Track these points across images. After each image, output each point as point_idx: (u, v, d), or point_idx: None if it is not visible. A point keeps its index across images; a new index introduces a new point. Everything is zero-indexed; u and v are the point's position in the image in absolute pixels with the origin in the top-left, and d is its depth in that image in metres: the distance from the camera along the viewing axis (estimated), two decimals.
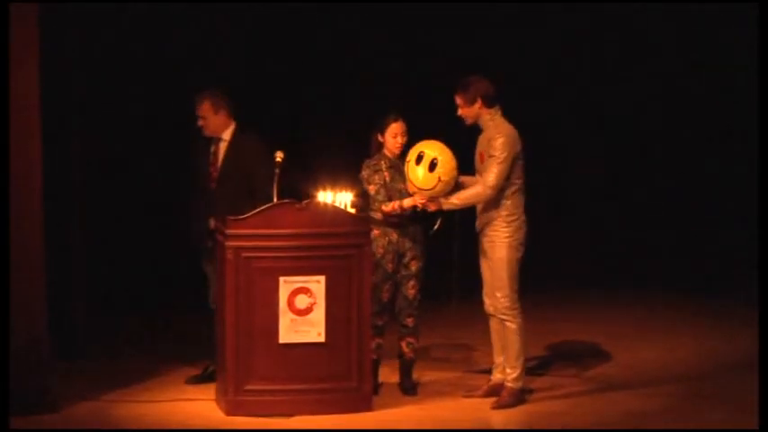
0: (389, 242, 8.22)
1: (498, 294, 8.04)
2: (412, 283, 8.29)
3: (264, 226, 7.71)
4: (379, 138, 8.30)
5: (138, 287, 11.07)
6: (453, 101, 8.13)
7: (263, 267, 7.71)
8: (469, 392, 8.31)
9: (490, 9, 12.39)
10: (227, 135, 8.55)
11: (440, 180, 8.01)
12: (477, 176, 8.11)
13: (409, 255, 8.26)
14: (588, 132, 13.05)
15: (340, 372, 7.80)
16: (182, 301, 9.84)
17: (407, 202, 8.15)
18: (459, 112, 8.09)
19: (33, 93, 7.83)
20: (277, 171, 8.06)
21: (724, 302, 11.35)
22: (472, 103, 8.04)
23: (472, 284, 8.43)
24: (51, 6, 8.44)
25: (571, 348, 9.68)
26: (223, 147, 8.54)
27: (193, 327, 9.05)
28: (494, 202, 7.99)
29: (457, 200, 7.99)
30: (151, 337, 10.03)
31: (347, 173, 8.33)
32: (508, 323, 8.06)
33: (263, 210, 7.74)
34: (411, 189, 8.11)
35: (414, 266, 8.27)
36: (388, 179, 8.24)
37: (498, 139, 7.95)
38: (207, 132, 8.55)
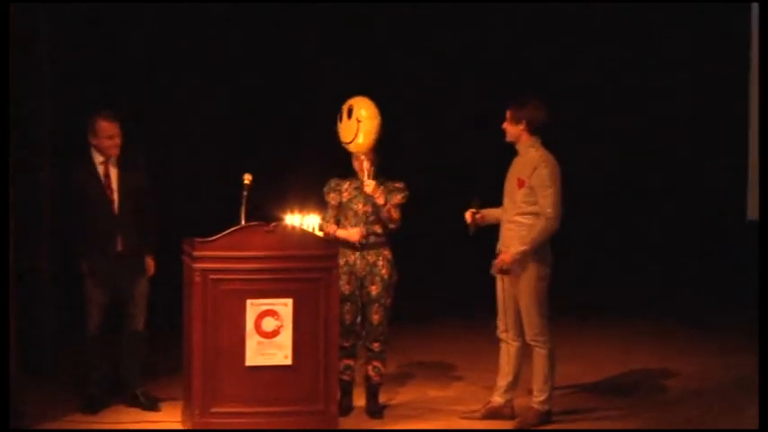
0: (347, 263, 8.24)
1: (527, 322, 8.07)
2: (375, 307, 8.31)
3: (232, 248, 7.70)
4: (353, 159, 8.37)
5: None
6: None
7: (230, 290, 7.70)
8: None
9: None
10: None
11: (358, 122, 8.12)
12: (504, 200, 8.11)
13: (368, 279, 8.28)
14: (579, 149, 13.10)
15: (306, 394, 7.79)
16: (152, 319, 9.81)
17: (339, 234, 8.23)
18: (504, 125, 8.12)
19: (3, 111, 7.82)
20: (245, 193, 8.07)
21: (718, 328, 11.38)
22: (517, 122, 8.06)
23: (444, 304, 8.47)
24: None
25: (562, 375, 9.63)
26: (115, 167, 8.34)
27: (162, 347, 9.03)
28: (525, 228, 7.99)
29: (525, 245, 7.94)
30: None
31: (315, 195, 8.35)
32: (538, 349, 8.11)
33: (230, 232, 7.74)
34: (348, 147, 8.21)
35: (374, 291, 8.28)
36: (344, 200, 8.29)
37: (545, 169, 7.97)
38: (116, 152, 8.31)
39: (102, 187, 8.31)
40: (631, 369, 9.80)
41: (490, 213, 8.24)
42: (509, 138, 8.13)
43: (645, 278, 13.02)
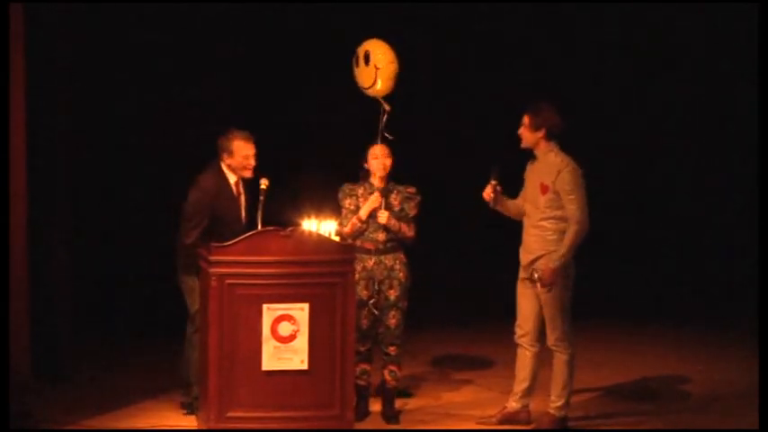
0: (364, 269, 8.23)
1: (552, 327, 8.05)
2: (392, 312, 8.31)
3: (248, 253, 7.69)
4: (366, 165, 8.35)
5: (124, 309, 11.07)
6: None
7: (246, 294, 7.69)
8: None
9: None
10: None
11: (377, 69, 8.10)
12: (526, 204, 8.09)
13: (386, 284, 8.29)
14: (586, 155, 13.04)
15: (323, 399, 7.78)
16: (167, 323, 9.80)
17: (363, 212, 8.21)
18: (521, 131, 8.08)
19: (19, 106, 7.84)
20: (261, 198, 8.06)
21: (721, 333, 11.32)
22: (537, 129, 8.03)
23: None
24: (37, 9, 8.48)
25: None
26: (241, 185, 8.27)
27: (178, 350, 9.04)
28: (551, 233, 8.00)
29: (563, 255, 7.93)
30: (135, 360, 10.01)
31: (332, 201, 8.34)
32: (559, 354, 8.10)
33: (247, 237, 7.73)
34: (366, 93, 8.20)
35: (392, 295, 8.29)
36: (361, 204, 8.29)
37: (568, 174, 7.97)
38: (250, 174, 8.20)
39: (238, 208, 8.24)
40: (651, 375, 9.77)
41: (508, 200, 8.19)
42: (525, 144, 8.10)
43: (661, 282, 12.96)
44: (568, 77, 12.87)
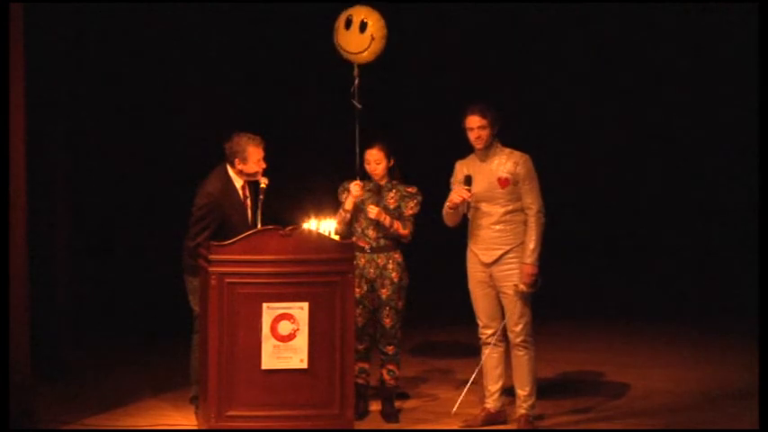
0: (357, 266, 8.21)
1: (524, 323, 8.04)
2: (386, 311, 8.32)
3: (248, 252, 7.71)
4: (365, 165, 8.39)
5: (123, 308, 11.08)
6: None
7: (246, 293, 7.71)
8: (467, 422, 8.27)
9: None
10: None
11: (373, 38, 8.06)
12: (480, 205, 8.06)
13: (378, 282, 8.30)
14: (575, 153, 13.05)
15: (322, 398, 7.79)
16: (168, 322, 9.82)
17: (348, 203, 8.23)
18: (480, 133, 8.01)
19: (19, 107, 7.84)
20: (261, 197, 8.07)
21: (724, 332, 11.32)
22: (494, 127, 8.04)
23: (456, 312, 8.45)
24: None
25: (565, 377, 9.68)
26: (247, 189, 8.23)
27: (180, 349, 9.05)
28: (518, 226, 8.00)
29: (535, 249, 7.92)
30: (135, 360, 10.01)
31: (331, 200, 8.35)
32: (527, 351, 8.08)
33: (246, 236, 7.75)
34: (345, 56, 8.15)
35: (384, 294, 8.30)
36: (358, 202, 8.28)
37: (526, 164, 8.00)
38: (261, 178, 8.19)
39: (245, 212, 8.21)
40: (651, 375, 9.76)
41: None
42: (485, 144, 8.04)
43: (661, 282, 12.97)
44: (567, 76, 12.91)
